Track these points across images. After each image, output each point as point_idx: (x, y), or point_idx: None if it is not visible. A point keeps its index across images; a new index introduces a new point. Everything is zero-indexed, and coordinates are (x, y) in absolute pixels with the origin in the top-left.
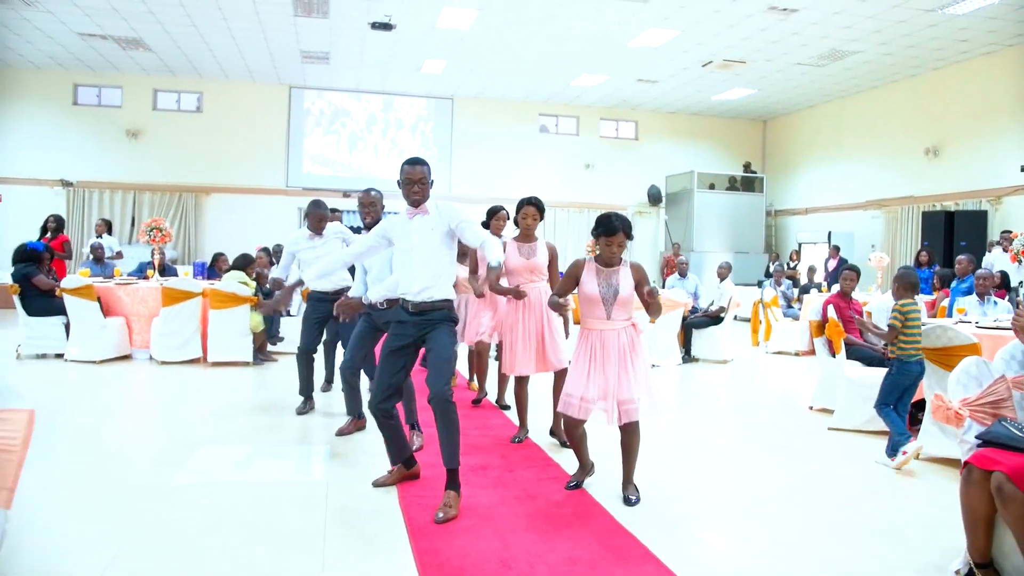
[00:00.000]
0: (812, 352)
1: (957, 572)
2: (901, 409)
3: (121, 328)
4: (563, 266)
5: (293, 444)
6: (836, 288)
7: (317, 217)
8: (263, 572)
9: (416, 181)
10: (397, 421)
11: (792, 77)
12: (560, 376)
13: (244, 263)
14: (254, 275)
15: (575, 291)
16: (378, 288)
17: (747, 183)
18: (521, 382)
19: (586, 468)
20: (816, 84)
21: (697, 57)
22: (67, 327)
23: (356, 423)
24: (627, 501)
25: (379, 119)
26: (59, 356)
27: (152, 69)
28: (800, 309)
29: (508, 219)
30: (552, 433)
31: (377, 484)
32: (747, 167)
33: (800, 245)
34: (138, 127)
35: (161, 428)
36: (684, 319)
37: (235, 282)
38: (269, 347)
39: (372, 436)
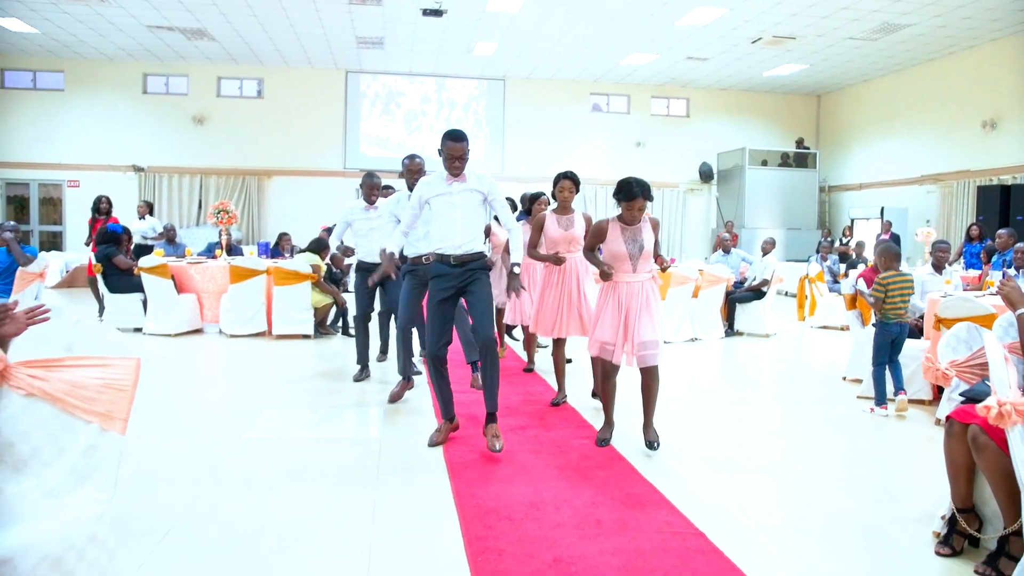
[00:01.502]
0: None
1: (943, 517)
2: (894, 368)
3: (193, 304)
4: None
5: (349, 406)
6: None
7: (369, 187)
8: (323, 509)
9: (458, 157)
10: (447, 371)
11: (844, 52)
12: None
13: (318, 247)
14: (327, 258)
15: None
16: (419, 244)
17: (800, 159)
18: (558, 345)
19: (611, 424)
20: (870, 58)
21: (746, 34)
22: (145, 303)
23: (405, 385)
24: (649, 445)
25: (432, 101)
26: (138, 330)
27: (216, 57)
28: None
29: (549, 204)
30: (594, 395)
31: (432, 444)
32: (800, 143)
33: (853, 221)
34: (203, 113)
35: (231, 393)
36: (728, 294)
37: (306, 262)
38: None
39: (420, 397)
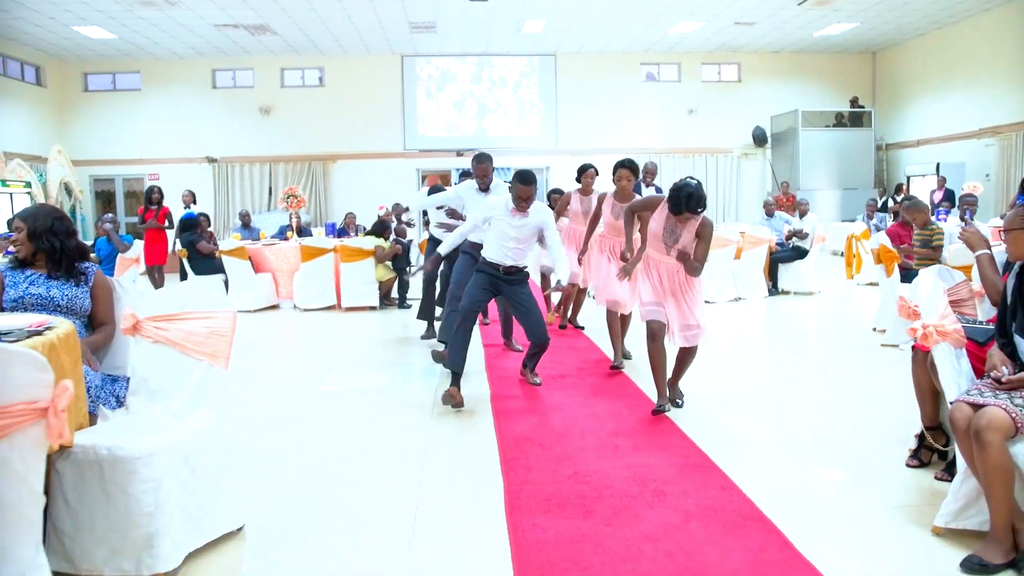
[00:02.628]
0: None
1: (916, 435)
2: None
3: (269, 282)
4: None
5: (410, 366)
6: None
7: (484, 172)
8: (385, 443)
9: (526, 199)
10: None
11: (895, 7)
12: (626, 319)
13: (381, 229)
14: (390, 238)
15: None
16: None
17: (855, 118)
18: (614, 315)
19: (665, 395)
20: (922, 12)
21: None
22: (226, 283)
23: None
24: (672, 402)
25: (485, 80)
26: None
27: (278, 50)
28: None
29: (597, 175)
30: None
31: (447, 402)
32: (854, 102)
33: (908, 178)
34: (269, 104)
35: (307, 356)
36: (771, 254)
37: (371, 242)
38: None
39: (473, 360)
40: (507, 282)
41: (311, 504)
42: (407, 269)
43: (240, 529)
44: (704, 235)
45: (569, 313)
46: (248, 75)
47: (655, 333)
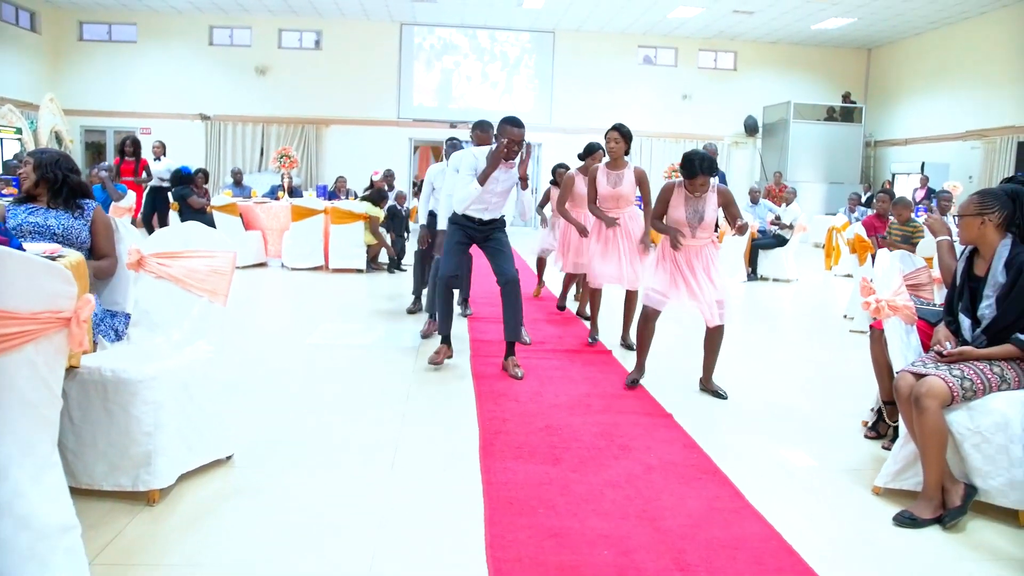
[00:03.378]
0: None
1: (872, 409)
2: None
3: (259, 240)
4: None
5: (396, 324)
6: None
7: (486, 140)
8: (371, 390)
9: (519, 142)
10: (452, 296)
11: (892, 4)
12: (632, 296)
13: (378, 197)
14: (385, 207)
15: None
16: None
17: (845, 113)
18: (595, 292)
19: (642, 369)
20: (920, 11)
21: None
22: None
23: (433, 324)
24: (717, 394)
25: (482, 53)
26: None
27: (277, 10)
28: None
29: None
30: (623, 342)
31: (432, 363)
32: (846, 97)
33: (894, 176)
34: (265, 64)
35: (296, 312)
36: (752, 241)
37: (363, 207)
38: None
39: (457, 326)
40: (481, 232)
41: (297, 437)
42: (404, 235)
43: (230, 457)
44: (731, 199)
45: (580, 303)
46: (245, 34)
47: (650, 316)
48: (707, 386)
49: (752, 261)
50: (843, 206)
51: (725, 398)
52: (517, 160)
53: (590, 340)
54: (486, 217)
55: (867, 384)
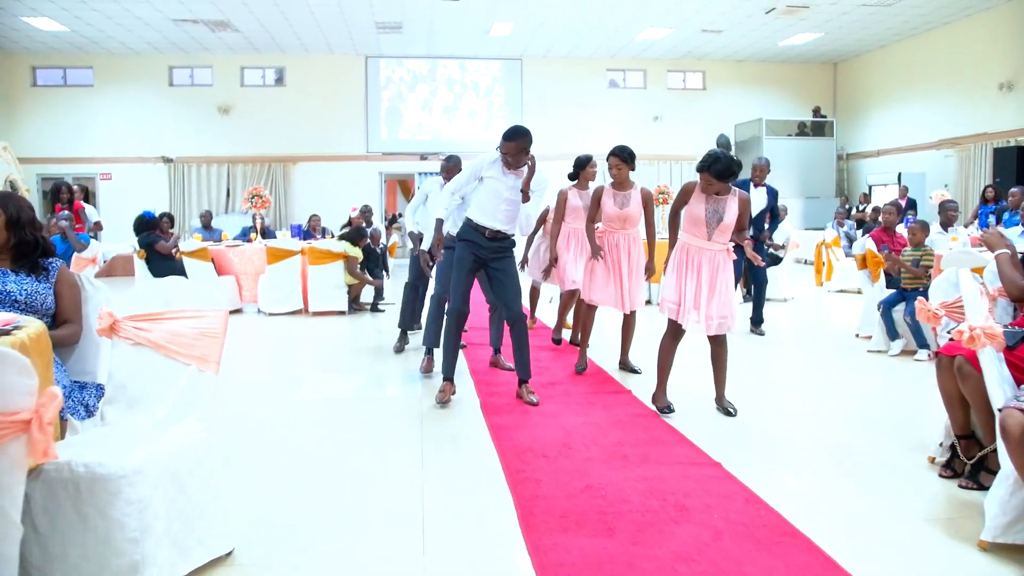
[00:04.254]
0: None
1: (940, 444)
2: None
3: (232, 285)
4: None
5: (390, 371)
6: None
7: (450, 170)
8: (376, 453)
9: (526, 151)
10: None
11: (859, 18)
12: (630, 317)
13: (356, 236)
14: (363, 246)
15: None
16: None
17: (817, 128)
18: (590, 312)
19: (664, 391)
20: (885, 24)
21: (760, 4)
22: None
23: (431, 360)
24: (727, 412)
25: (451, 84)
26: None
27: (238, 48)
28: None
29: (597, 169)
30: (621, 366)
31: (440, 403)
32: (816, 111)
33: (871, 188)
34: (228, 103)
35: (280, 363)
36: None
37: (341, 247)
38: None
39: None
40: (491, 252)
41: (305, 519)
42: (383, 275)
43: (230, 553)
44: (747, 209)
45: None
46: (206, 73)
47: (677, 335)
48: (719, 404)
49: (747, 281)
50: (822, 221)
51: (734, 415)
52: (525, 169)
53: (577, 369)
54: (495, 227)
55: (915, 412)
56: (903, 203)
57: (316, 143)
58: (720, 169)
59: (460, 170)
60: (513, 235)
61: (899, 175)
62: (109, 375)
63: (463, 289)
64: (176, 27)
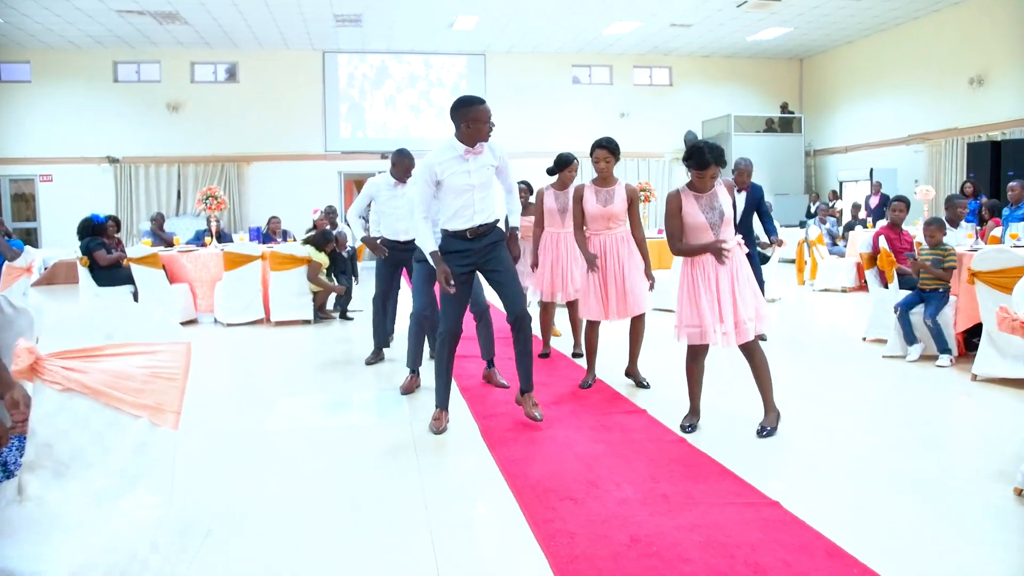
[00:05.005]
0: (860, 288)
1: None
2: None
3: (186, 294)
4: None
5: (367, 391)
6: (884, 221)
7: (404, 167)
8: (370, 498)
9: (488, 120)
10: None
11: (830, 12)
12: (638, 321)
13: (322, 240)
14: (330, 251)
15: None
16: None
17: (784, 124)
18: (592, 327)
19: (697, 412)
20: (855, 18)
21: None
22: (135, 296)
23: (414, 380)
24: (761, 431)
25: (413, 80)
26: None
27: (188, 42)
28: (846, 246)
29: (579, 169)
30: (628, 374)
31: (436, 432)
32: (784, 107)
33: (841, 184)
34: (178, 100)
35: (241, 383)
36: None
37: (306, 253)
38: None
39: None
40: (481, 253)
41: None
42: (351, 281)
43: None
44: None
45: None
46: (154, 68)
47: (698, 353)
48: (767, 416)
49: None
50: (791, 218)
51: (772, 434)
52: (484, 148)
53: (584, 383)
54: (478, 221)
55: (971, 430)
56: (877, 199)
57: (272, 142)
58: (718, 154)
59: (412, 165)
60: (498, 220)
61: (871, 171)
62: (31, 431)
63: (456, 307)
64: (121, 19)
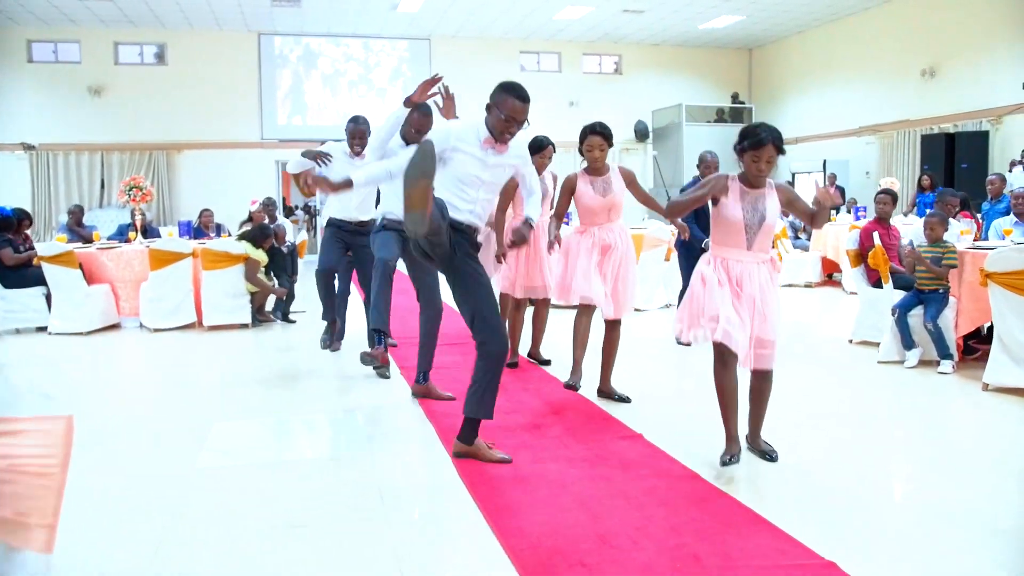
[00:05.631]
0: (826, 284)
1: None
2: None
3: (107, 295)
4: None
5: (318, 412)
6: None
7: (359, 134)
8: (330, 563)
9: (521, 122)
10: None
11: (781, 1)
12: (613, 329)
13: (259, 235)
14: (268, 247)
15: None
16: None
17: (735, 114)
18: (585, 314)
19: (735, 438)
20: (807, 7)
21: None
22: (48, 299)
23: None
24: (766, 456)
25: (354, 64)
26: (41, 329)
27: (111, 20)
28: (809, 240)
29: (554, 153)
30: (602, 393)
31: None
32: (735, 98)
33: (793, 176)
34: (100, 83)
35: (168, 402)
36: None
37: (243, 246)
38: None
39: (405, 402)
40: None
41: None
42: (293, 278)
43: None
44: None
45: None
46: (73, 48)
47: (728, 360)
48: (754, 444)
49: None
50: None
51: (774, 460)
52: (510, 146)
53: (571, 383)
54: (465, 220)
55: (1004, 450)
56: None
57: (204, 129)
58: (777, 136)
59: (367, 135)
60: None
61: (824, 162)
62: None
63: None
64: None
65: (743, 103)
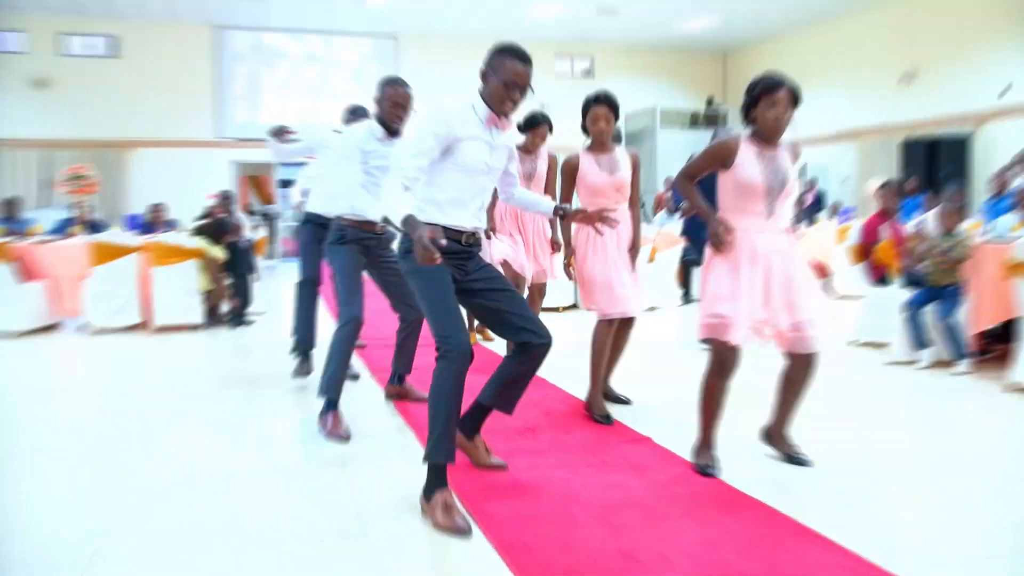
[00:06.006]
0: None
1: None
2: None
3: (44, 293)
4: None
5: (282, 420)
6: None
7: (402, 99)
8: None
9: (524, 89)
10: None
11: (758, 5)
12: (627, 326)
13: (219, 231)
14: (227, 243)
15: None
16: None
17: (710, 119)
18: (606, 329)
19: (711, 444)
20: (783, 8)
21: None
22: None
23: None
24: (795, 459)
25: (317, 62)
26: None
27: (58, 9)
28: None
29: (551, 133)
30: (603, 394)
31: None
32: (710, 102)
33: None
34: (45, 76)
35: (114, 411)
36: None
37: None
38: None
39: (378, 411)
40: (466, 262)
41: None
42: (250, 276)
43: None
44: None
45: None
46: (15, 38)
47: (727, 366)
48: (778, 442)
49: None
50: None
51: (805, 465)
52: (512, 122)
53: (599, 416)
54: (473, 224)
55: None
56: (811, 196)
57: (157, 126)
58: (798, 91)
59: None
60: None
61: (804, 166)
62: None
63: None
64: None
65: (718, 108)
